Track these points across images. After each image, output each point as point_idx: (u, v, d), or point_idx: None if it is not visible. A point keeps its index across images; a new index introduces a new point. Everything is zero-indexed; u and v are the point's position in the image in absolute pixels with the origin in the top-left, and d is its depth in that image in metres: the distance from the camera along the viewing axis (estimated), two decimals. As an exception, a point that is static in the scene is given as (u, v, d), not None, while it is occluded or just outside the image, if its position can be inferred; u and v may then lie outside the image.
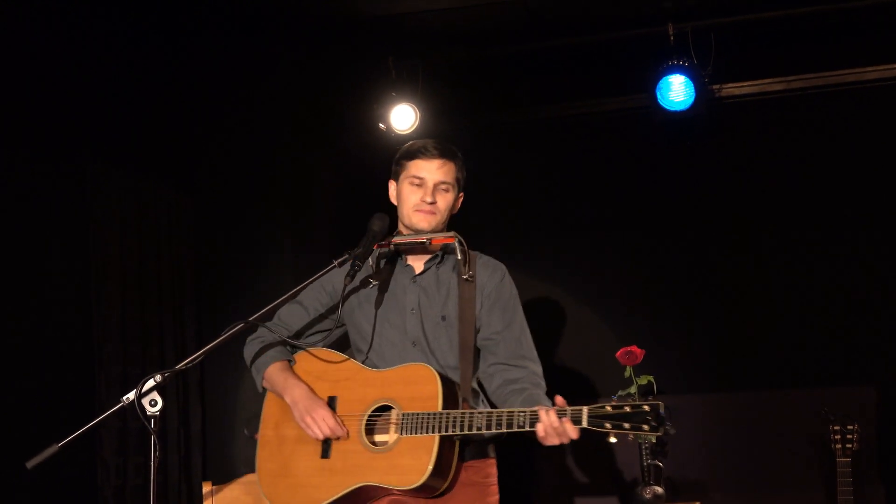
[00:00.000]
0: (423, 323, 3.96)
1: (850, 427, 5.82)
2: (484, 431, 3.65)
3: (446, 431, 3.69)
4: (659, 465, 6.28)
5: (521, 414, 3.62)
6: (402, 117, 6.76)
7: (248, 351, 4.18)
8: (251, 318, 3.75)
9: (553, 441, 3.59)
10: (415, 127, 6.73)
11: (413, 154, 4.06)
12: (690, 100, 6.50)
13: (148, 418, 3.52)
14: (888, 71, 6.52)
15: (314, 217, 6.89)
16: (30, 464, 3.52)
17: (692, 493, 6.51)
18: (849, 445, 5.80)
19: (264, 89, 6.68)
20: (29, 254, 5.57)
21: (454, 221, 4.14)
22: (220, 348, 6.00)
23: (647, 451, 6.24)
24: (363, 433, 3.86)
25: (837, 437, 5.83)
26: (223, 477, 5.68)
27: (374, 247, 3.98)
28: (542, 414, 3.57)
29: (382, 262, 4.09)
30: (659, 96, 6.53)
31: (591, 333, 6.86)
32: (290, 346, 4.13)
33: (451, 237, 3.97)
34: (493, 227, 6.64)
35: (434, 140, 4.11)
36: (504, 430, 3.63)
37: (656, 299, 6.78)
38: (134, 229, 6.17)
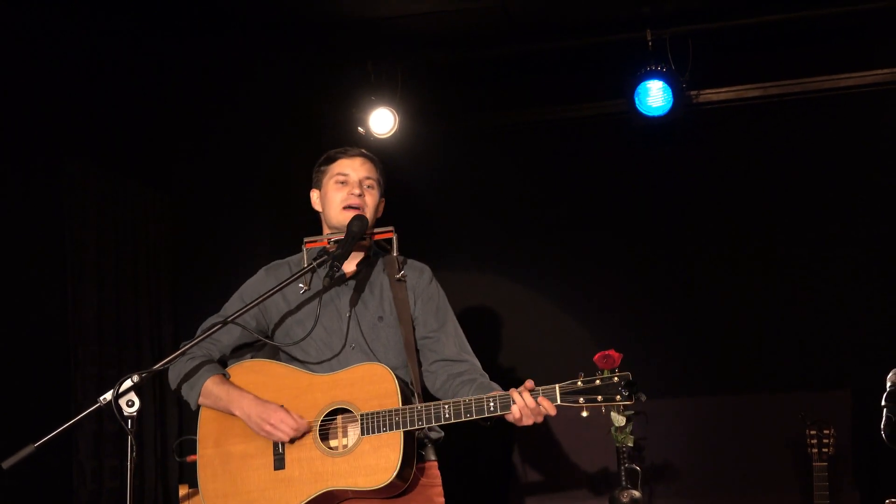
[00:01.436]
0: (360, 324, 3.94)
1: (826, 431, 5.84)
2: (453, 421, 3.65)
3: (412, 426, 3.68)
4: (636, 469, 6.29)
5: (490, 399, 3.63)
6: (381, 121, 6.76)
7: (174, 371, 3.98)
8: (229, 319, 3.74)
9: (529, 421, 3.62)
10: (394, 130, 6.73)
11: (333, 157, 4.10)
12: (668, 105, 6.53)
13: (125, 419, 3.49)
14: (863, 78, 6.57)
15: (291, 218, 6.86)
16: (6, 464, 3.49)
17: (669, 496, 6.53)
18: (825, 450, 5.82)
19: (243, 91, 6.67)
20: (3, 254, 5.54)
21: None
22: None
23: (624, 455, 6.25)
24: (318, 438, 3.79)
25: (814, 441, 5.85)
26: (200, 480, 5.67)
27: (306, 246, 4.00)
28: (516, 396, 3.60)
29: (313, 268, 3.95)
30: (637, 102, 6.56)
31: (569, 337, 6.87)
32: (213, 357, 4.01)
33: (390, 231, 4.00)
34: (469, 230, 6.64)
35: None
36: (474, 417, 3.64)
37: (634, 303, 6.80)
38: (110, 228, 6.15)
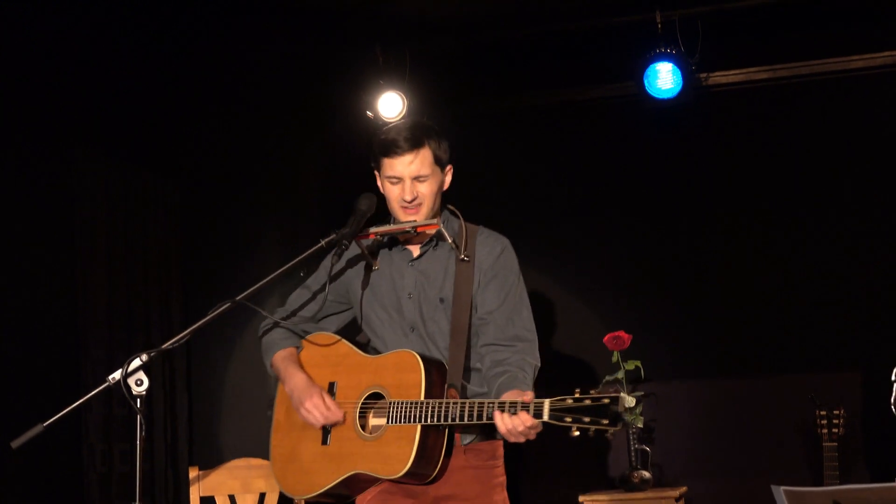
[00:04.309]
0: (420, 307, 3.89)
1: (836, 412, 5.85)
2: (458, 422, 3.57)
3: (426, 421, 3.62)
4: (646, 451, 6.30)
5: (491, 405, 3.51)
6: (390, 105, 6.74)
7: (262, 334, 4.17)
8: (238, 298, 3.73)
9: (513, 439, 3.51)
10: (402, 114, 6.71)
11: (385, 151, 3.89)
12: (678, 88, 6.51)
13: (134, 398, 3.50)
14: (872, 60, 6.54)
15: (301, 204, 6.88)
16: (14, 443, 3.49)
17: (679, 478, 6.52)
18: (835, 430, 5.82)
19: (251, 76, 6.67)
20: (14, 239, 5.56)
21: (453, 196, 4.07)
22: (207, 336, 6.07)
23: (634, 437, 6.26)
24: (357, 420, 3.83)
25: (824, 422, 5.85)
26: (210, 462, 5.69)
27: (361, 238, 3.92)
28: (497, 417, 3.47)
29: (378, 248, 4.03)
30: (646, 84, 6.54)
31: (579, 319, 6.87)
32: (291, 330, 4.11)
33: (435, 224, 3.87)
34: (478, 214, 6.58)
35: (403, 129, 3.92)
36: (476, 421, 3.53)
37: (644, 285, 6.80)
38: (120, 215, 6.16)
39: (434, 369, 3.75)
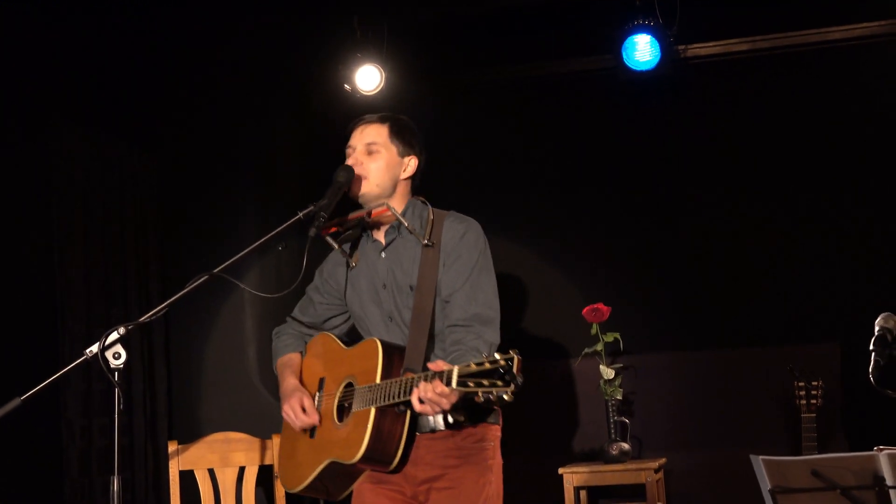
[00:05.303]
0: (394, 296, 3.91)
1: (814, 383, 5.88)
2: (398, 399, 3.56)
3: (376, 403, 3.65)
4: (625, 422, 6.32)
5: (417, 378, 3.51)
6: (368, 78, 6.73)
7: (273, 341, 4.34)
8: (215, 270, 3.72)
9: (426, 409, 3.50)
10: (380, 88, 6.71)
11: (351, 126, 4.06)
12: (656, 60, 6.50)
13: (112, 371, 3.50)
14: (850, 31, 6.55)
15: (279, 176, 6.86)
16: (-8, 418, 3.49)
17: (658, 449, 6.55)
18: (813, 401, 5.86)
19: (228, 48, 6.63)
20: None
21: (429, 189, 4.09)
22: (186, 309, 6.06)
23: (613, 409, 6.28)
24: (335, 410, 3.89)
25: (802, 393, 5.89)
26: (189, 437, 5.70)
27: (326, 232, 3.93)
28: (415, 390, 3.49)
29: (355, 244, 4.07)
30: (624, 56, 6.52)
31: (558, 291, 6.88)
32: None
33: (384, 208, 3.92)
34: (455, 186, 6.60)
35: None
36: (408, 396, 3.53)
37: (623, 258, 6.80)
38: (97, 189, 6.13)
39: (395, 355, 3.77)
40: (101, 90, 6.24)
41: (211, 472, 5.49)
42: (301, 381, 4.12)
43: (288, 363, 4.20)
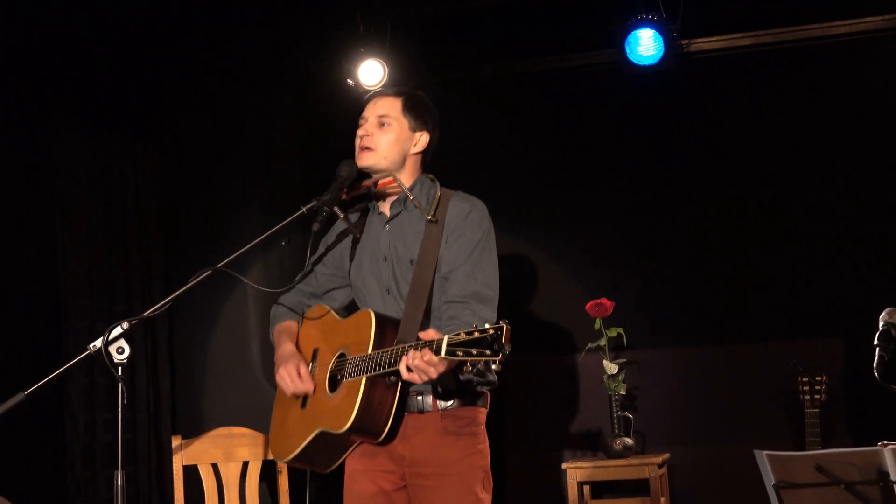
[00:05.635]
0: (394, 269, 3.91)
1: (818, 378, 5.87)
2: (388, 369, 3.56)
3: (367, 373, 3.65)
4: (629, 417, 6.32)
5: (408, 347, 3.51)
6: (371, 73, 6.71)
7: (272, 310, 4.29)
8: (219, 265, 3.74)
9: (413, 377, 3.49)
10: (383, 82, 6.69)
11: (364, 102, 4.07)
12: (659, 54, 6.47)
13: (115, 366, 3.51)
14: (855, 25, 6.53)
15: (281, 171, 6.86)
16: (-5, 412, 3.49)
17: (662, 444, 6.55)
18: (817, 396, 5.85)
19: (231, 42, 6.63)
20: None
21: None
22: (189, 304, 6.06)
23: (616, 404, 6.28)
24: (327, 381, 3.88)
25: (806, 388, 5.88)
26: (193, 431, 5.70)
27: (342, 196, 3.96)
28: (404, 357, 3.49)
29: (355, 215, 4.09)
30: (628, 51, 6.51)
31: (562, 286, 6.87)
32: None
33: (390, 179, 3.93)
34: (458, 181, 6.56)
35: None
36: (396, 366, 3.53)
37: (626, 253, 6.79)
38: (99, 184, 6.13)
39: (388, 327, 3.77)
40: (103, 86, 6.24)
41: (214, 466, 5.49)
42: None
43: (285, 329, 4.15)
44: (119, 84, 6.34)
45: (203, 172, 6.66)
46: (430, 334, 3.45)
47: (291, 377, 3.93)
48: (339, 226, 4.12)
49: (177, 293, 3.73)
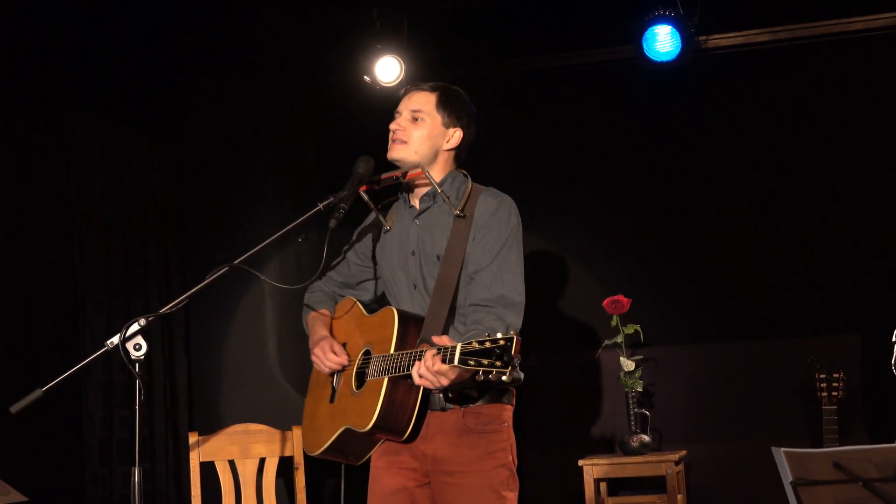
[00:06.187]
0: (421, 264, 3.88)
1: (835, 375, 5.85)
2: (407, 372, 3.56)
3: (388, 374, 3.65)
4: (646, 414, 6.31)
5: (423, 352, 3.50)
6: (387, 69, 6.70)
7: (307, 294, 4.26)
8: (235, 262, 3.73)
9: (425, 382, 3.49)
10: (400, 79, 6.68)
11: (399, 95, 4.05)
12: (677, 51, 6.46)
13: (132, 362, 3.51)
14: (873, 21, 6.50)
15: (298, 168, 6.86)
16: (14, 408, 3.50)
17: (679, 441, 6.54)
18: (834, 393, 5.83)
19: (248, 39, 6.64)
20: (11, 206, 5.55)
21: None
22: (206, 301, 6.07)
23: (634, 401, 6.27)
24: (353, 377, 3.89)
25: (823, 385, 5.86)
26: (210, 428, 5.71)
27: (362, 189, 3.95)
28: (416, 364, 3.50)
29: (389, 208, 4.08)
30: (645, 47, 6.49)
31: (579, 283, 6.86)
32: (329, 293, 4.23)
33: (419, 171, 3.89)
34: (475, 177, 6.58)
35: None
36: (410, 371, 3.54)
37: (643, 249, 6.78)
38: (116, 179, 6.15)
39: (412, 325, 3.76)
40: (120, 82, 6.26)
41: (231, 463, 5.50)
42: None
43: (319, 317, 4.15)
44: (136, 80, 6.36)
45: (220, 169, 6.67)
46: (444, 340, 3.45)
47: (325, 353, 3.94)
48: (372, 216, 4.09)
49: (194, 290, 3.73)
